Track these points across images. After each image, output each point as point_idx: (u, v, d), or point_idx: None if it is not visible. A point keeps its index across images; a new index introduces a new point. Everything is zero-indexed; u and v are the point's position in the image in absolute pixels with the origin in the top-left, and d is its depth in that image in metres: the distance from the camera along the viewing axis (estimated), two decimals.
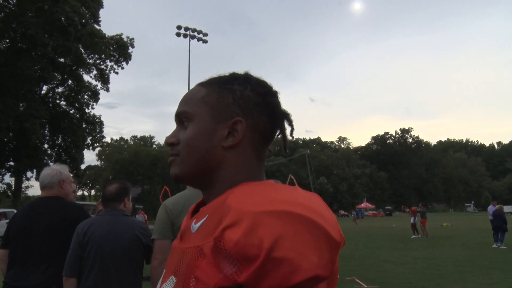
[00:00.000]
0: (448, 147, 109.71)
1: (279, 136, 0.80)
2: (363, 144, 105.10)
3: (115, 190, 2.59)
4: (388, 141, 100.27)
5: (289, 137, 0.79)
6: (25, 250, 2.59)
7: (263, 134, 0.75)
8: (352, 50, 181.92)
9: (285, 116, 0.78)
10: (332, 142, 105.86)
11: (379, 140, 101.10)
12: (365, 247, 15.19)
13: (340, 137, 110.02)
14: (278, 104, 0.78)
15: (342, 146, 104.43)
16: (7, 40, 30.45)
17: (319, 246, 0.57)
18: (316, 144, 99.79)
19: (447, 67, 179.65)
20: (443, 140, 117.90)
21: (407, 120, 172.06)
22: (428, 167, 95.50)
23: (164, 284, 0.70)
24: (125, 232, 2.44)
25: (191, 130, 0.75)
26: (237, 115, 0.73)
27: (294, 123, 0.80)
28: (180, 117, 0.77)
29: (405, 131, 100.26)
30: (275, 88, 0.80)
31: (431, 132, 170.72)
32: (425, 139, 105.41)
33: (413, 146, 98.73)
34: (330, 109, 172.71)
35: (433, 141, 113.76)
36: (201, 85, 0.79)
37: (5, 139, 31.55)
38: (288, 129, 0.79)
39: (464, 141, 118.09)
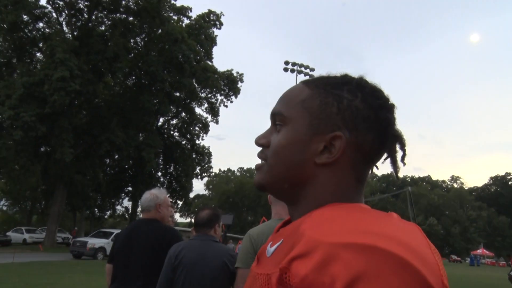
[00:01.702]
0: None
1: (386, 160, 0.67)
2: (479, 185, 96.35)
3: (207, 216, 2.65)
4: (510, 182, 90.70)
5: (400, 163, 0.66)
6: (124, 267, 2.78)
7: (367, 155, 0.63)
8: (465, 84, 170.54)
9: (398, 137, 0.66)
10: (443, 181, 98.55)
11: (499, 181, 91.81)
12: None
13: (452, 176, 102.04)
14: (392, 122, 0.65)
15: (455, 185, 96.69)
16: (134, 77, 33.96)
17: None
18: (426, 182, 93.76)
19: None
20: None
21: None
22: None
23: None
24: (213, 257, 2.48)
25: (283, 136, 0.65)
26: (339, 128, 0.62)
27: (406, 148, 0.66)
28: (275, 118, 0.68)
29: None
30: (392, 100, 0.67)
31: None
32: None
33: None
34: (441, 146, 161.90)
35: None
36: (306, 84, 0.68)
37: (126, 166, 34.71)
38: (399, 153, 0.66)
39: None
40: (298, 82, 0.71)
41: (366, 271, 0.44)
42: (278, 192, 0.68)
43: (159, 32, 31.11)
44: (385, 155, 0.66)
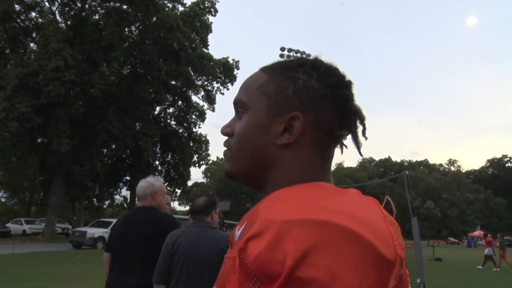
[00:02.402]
0: None
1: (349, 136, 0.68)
2: (476, 168, 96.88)
3: (203, 203, 2.67)
4: (506, 165, 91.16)
5: (362, 138, 0.67)
6: (122, 255, 2.80)
7: (328, 132, 0.64)
8: (460, 68, 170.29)
9: (357, 113, 0.66)
10: (441, 165, 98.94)
11: (496, 163, 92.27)
12: (477, 279, 13.77)
13: (450, 159, 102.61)
14: (349, 98, 0.66)
15: (452, 169, 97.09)
16: (129, 66, 33.76)
17: (362, 265, 0.44)
18: (423, 166, 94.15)
19: None
20: None
21: None
22: None
23: None
24: (210, 244, 2.50)
25: (244, 123, 0.67)
26: (296, 109, 0.63)
27: (366, 122, 0.68)
28: (237, 106, 0.70)
29: None
30: (348, 77, 0.67)
31: None
32: None
33: None
34: (438, 130, 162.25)
35: None
36: (263, 70, 0.70)
37: (123, 156, 34.72)
38: (359, 128, 0.67)
39: None
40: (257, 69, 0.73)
41: (316, 245, 0.44)
42: (246, 179, 0.68)
43: (154, 20, 30.86)
44: (347, 132, 0.67)
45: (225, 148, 0.71)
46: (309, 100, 0.63)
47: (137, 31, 32.96)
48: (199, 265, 2.45)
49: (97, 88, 31.96)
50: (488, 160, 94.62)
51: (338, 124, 0.65)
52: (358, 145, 0.67)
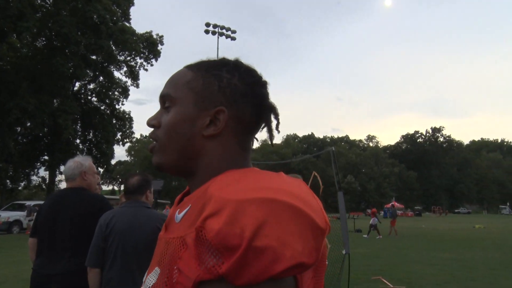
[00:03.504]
0: (482, 146, 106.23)
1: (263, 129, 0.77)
2: (392, 143, 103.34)
3: (137, 182, 2.61)
4: (418, 140, 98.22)
5: (275, 131, 0.77)
6: (50, 240, 2.66)
7: (247, 125, 0.73)
8: (377, 48, 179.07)
9: (272, 109, 0.76)
10: (360, 141, 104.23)
11: (409, 139, 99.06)
12: (393, 246, 14.92)
13: (368, 135, 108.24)
14: (265, 95, 0.75)
15: (371, 144, 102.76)
16: (43, 39, 31.42)
17: (303, 234, 0.55)
18: (344, 142, 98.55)
19: (479, 62, 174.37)
20: (476, 139, 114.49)
21: (438, 118, 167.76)
22: (460, 167, 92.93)
23: (149, 275, 0.68)
24: (146, 223, 2.45)
25: (173, 115, 0.73)
26: (221, 104, 0.71)
27: (280, 117, 0.77)
28: (164, 100, 0.75)
29: (436, 130, 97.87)
30: (264, 78, 0.77)
31: (463, 131, 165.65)
32: (457, 138, 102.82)
33: (444, 145, 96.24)
34: (358, 108, 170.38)
35: (465, 141, 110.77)
36: (189, 68, 0.77)
37: (40, 134, 32.61)
38: (274, 122, 0.77)
39: (499, 140, 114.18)
40: (182, 67, 0.79)
41: (268, 219, 0.54)
42: (175, 168, 0.74)
43: None
44: (263, 125, 0.76)
45: (153, 142, 0.76)
46: (232, 96, 0.72)
47: (51, 1, 30.59)
48: (135, 245, 2.40)
49: (6, 61, 29.47)
50: (402, 136, 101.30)
51: (256, 119, 0.74)
52: (271, 137, 0.77)
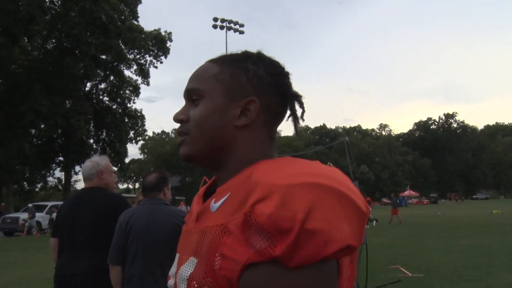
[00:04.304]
0: (497, 131, 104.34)
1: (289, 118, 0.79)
2: (405, 131, 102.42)
3: (155, 179, 2.62)
4: (431, 127, 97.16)
5: (300, 120, 0.79)
6: (71, 239, 2.69)
7: (274, 115, 0.76)
8: (387, 35, 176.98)
9: (297, 97, 0.77)
10: (373, 130, 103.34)
11: (422, 126, 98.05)
12: (409, 235, 14.83)
13: (381, 124, 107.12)
14: (290, 85, 0.77)
15: (384, 133, 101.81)
16: (53, 41, 31.69)
17: (350, 217, 0.58)
18: (357, 132, 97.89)
19: (491, 46, 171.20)
20: (490, 124, 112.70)
21: (451, 104, 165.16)
22: (475, 153, 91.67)
23: (183, 266, 0.68)
24: (165, 220, 2.47)
25: (203, 108, 0.74)
26: (251, 94, 0.73)
27: (304, 106, 0.79)
28: (191, 94, 0.76)
29: (449, 116, 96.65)
30: (287, 69, 0.79)
31: (477, 116, 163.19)
32: (471, 124, 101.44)
33: (458, 131, 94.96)
34: (369, 97, 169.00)
35: (480, 126, 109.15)
36: (213, 62, 0.78)
37: (54, 136, 32.98)
38: (299, 111, 0.78)
39: None
40: (204, 62, 0.80)
41: (317, 203, 0.56)
42: (205, 160, 0.76)
43: None
44: (288, 114, 0.78)
45: (182, 135, 0.76)
46: (260, 87, 0.74)
47: (59, 2, 30.78)
48: (155, 242, 2.42)
49: (18, 64, 29.80)
50: (415, 123, 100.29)
51: (282, 108, 0.76)
52: (296, 125, 0.79)
